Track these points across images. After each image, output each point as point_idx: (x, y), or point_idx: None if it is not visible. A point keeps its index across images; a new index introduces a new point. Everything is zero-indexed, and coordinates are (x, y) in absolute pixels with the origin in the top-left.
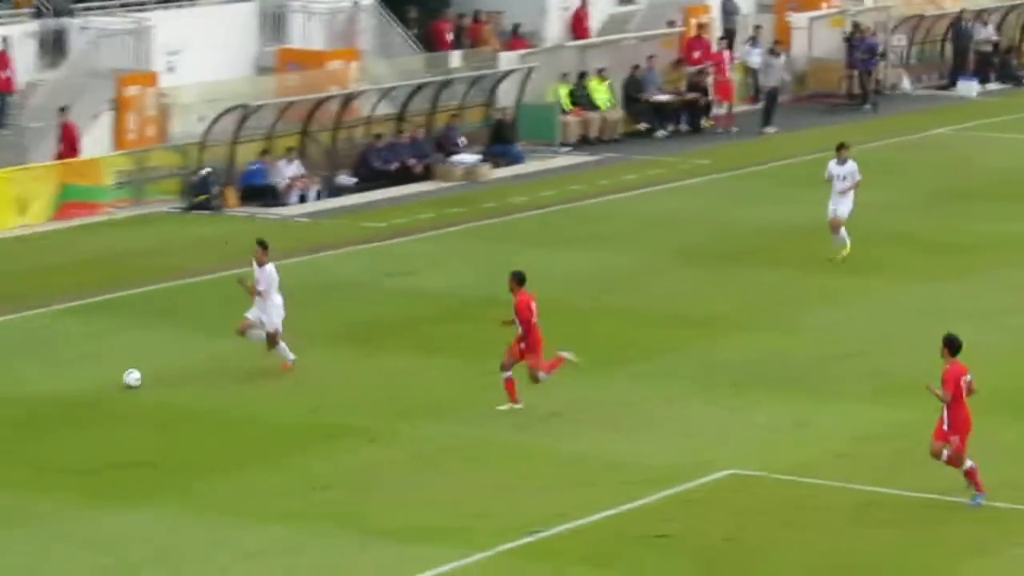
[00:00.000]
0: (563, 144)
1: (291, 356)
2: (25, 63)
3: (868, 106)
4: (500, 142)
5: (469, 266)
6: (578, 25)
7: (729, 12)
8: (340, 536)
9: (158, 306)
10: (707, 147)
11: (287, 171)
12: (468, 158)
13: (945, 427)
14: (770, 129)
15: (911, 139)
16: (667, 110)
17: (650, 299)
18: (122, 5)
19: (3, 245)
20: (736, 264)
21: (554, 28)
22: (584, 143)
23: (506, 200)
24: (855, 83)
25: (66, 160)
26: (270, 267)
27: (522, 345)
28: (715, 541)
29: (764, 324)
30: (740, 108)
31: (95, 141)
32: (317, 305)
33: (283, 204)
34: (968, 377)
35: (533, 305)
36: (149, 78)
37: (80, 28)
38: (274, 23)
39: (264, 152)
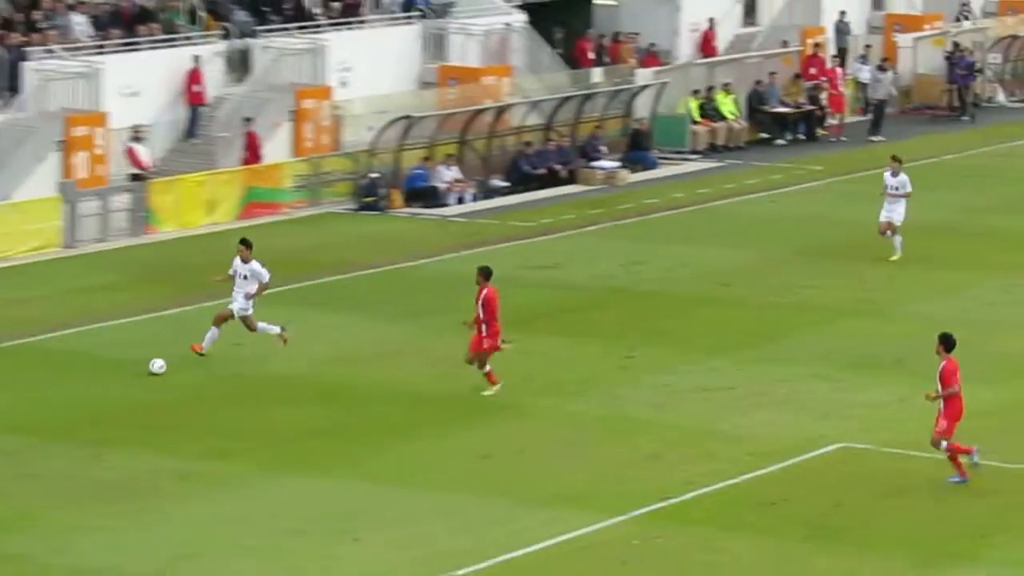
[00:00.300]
0: (693, 151)
1: (276, 328)
2: (214, 79)
3: (966, 117)
4: (636, 149)
5: (608, 260)
6: (706, 44)
7: (842, 33)
8: (496, 501)
9: (332, 295)
10: (821, 154)
11: (446, 175)
12: (607, 164)
13: (943, 417)
14: (878, 138)
15: (1005, 147)
16: (786, 120)
17: (770, 291)
18: (300, 27)
19: (194, 241)
20: (846, 259)
21: (685, 47)
22: (711, 150)
23: (641, 201)
24: (955, 97)
25: (250, 166)
26: (255, 264)
27: (484, 334)
28: (825, 507)
29: (871, 312)
30: (850, 119)
31: (276, 148)
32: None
33: (443, 205)
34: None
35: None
36: (324, 92)
37: (263, 48)
38: (435, 43)
39: (426, 158)
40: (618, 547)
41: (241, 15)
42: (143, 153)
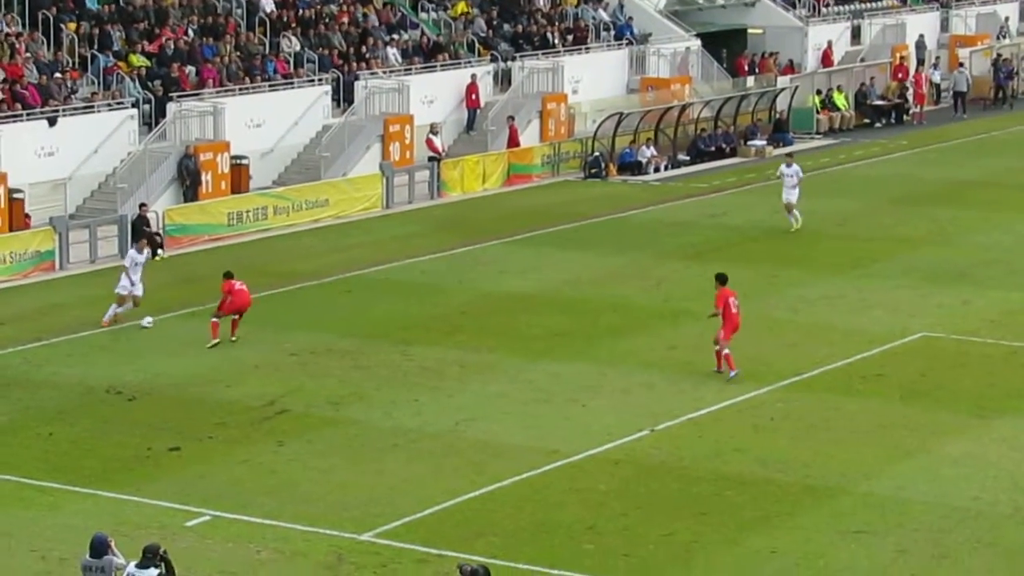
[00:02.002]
0: (817, 133)
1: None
2: (486, 90)
3: (1007, 106)
4: (778, 132)
5: (759, 210)
6: (826, 58)
7: (920, 48)
8: (683, 378)
9: (567, 238)
10: (907, 133)
11: (647, 153)
12: (758, 142)
13: (721, 332)
14: (963, 116)
15: None
16: (882, 110)
17: (871, 228)
18: (544, 52)
19: (473, 202)
20: (925, 205)
21: (811, 61)
22: (830, 132)
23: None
24: (999, 92)
25: (511, 149)
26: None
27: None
28: (914, 376)
29: (943, 242)
30: (928, 108)
31: (529, 137)
32: (666, 236)
33: (644, 174)
34: (734, 299)
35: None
36: (562, 97)
37: (519, 67)
38: (638, 61)
39: (632, 142)
40: (767, 408)
41: (504, 45)
42: (438, 142)
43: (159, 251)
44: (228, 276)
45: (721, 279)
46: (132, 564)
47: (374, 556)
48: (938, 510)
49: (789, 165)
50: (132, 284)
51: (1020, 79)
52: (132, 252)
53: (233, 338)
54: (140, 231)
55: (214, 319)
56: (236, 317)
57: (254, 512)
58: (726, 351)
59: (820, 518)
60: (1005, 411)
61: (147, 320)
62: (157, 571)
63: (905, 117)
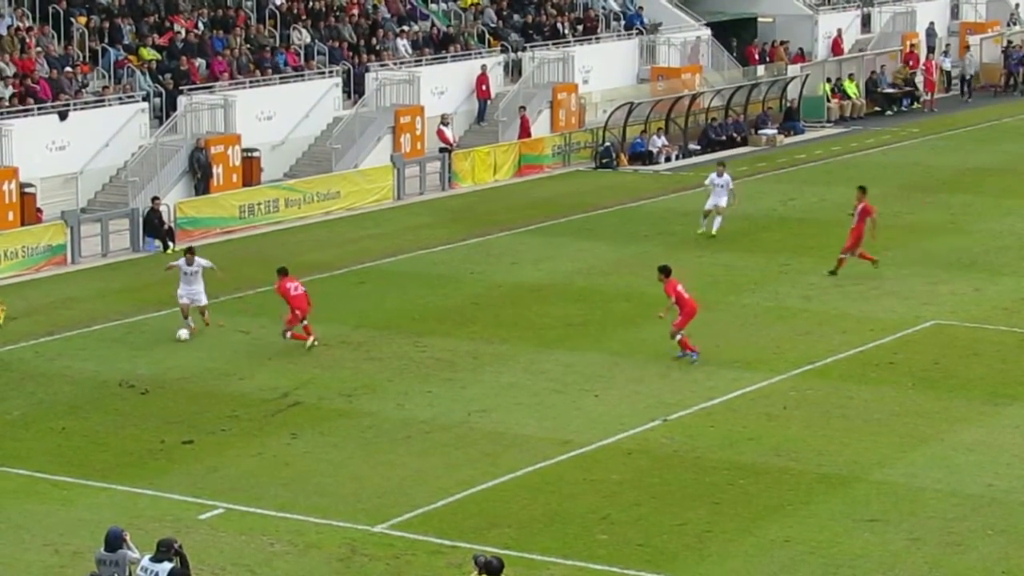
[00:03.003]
0: (828, 121)
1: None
2: (496, 81)
3: (1017, 92)
4: (789, 120)
5: (770, 198)
6: (836, 47)
7: (930, 35)
8: (693, 367)
9: (578, 228)
10: (917, 120)
11: (657, 143)
12: (769, 131)
13: (678, 318)
14: (968, 100)
15: None
16: (893, 98)
17: (883, 216)
18: (555, 43)
19: (484, 193)
20: (936, 192)
21: (821, 49)
22: (841, 120)
23: (792, 157)
24: (1009, 79)
25: (522, 140)
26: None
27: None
28: (926, 363)
29: (953, 230)
30: (938, 95)
31: (540, 127)
32: (681, 224)
33: (655, 163)
34: (681, 287)
35: (289, 285)
36: (572, 88)
37: (530, 58)
38: (648, 51)
39: (643, 131)
40: (780, 396)
41: (514, 35)
42: (449, 133)
43: (170, 244)
44: (283, 273)
45: (665, 271)
46: (146, 558)
47: (387, 548)
48: (951, 498)
49: (720, 175)
50: (189, 293)
51: None
52: (181, 263)
53: (311, 343)
54: (154, 226)
55: (289, 333)
56: (305, 323)
57: (267, 504)
58: (680, 336)
59: (833, 506)
60: (1018, 398)
61: (183, 333)
62: (171, 565)
63: (916, 104)
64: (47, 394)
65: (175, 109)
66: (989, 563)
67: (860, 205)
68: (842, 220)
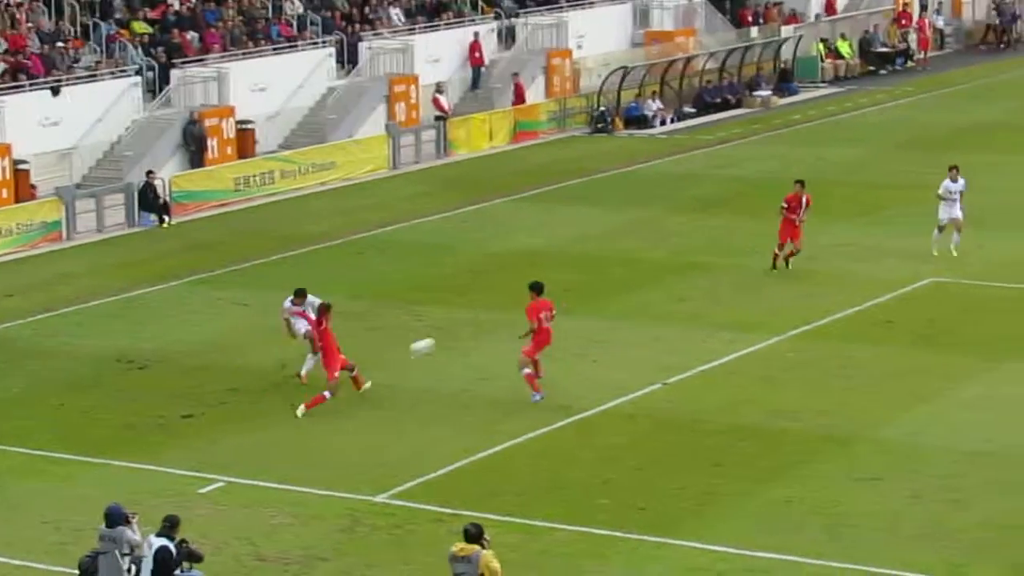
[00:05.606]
0: (822, 81)
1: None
2: (490, 48)
3: (1010, 48)
4: (783, 81)
5: (767, 160)
6: (830, 6)
7: None
8: (693, 330)
9: (575, 193)
10: (912, 79)
11: (652, 106)
12: (763, 92)
13: (528, 347)
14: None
15: None
16: (886, 57)
17: (879, 175)
18: (548, 8)
19: (480, 160)
20: (931, 150)
21: (815, 8)
22: (835, 80)
23: (787, 118)
24: (1003, 35)
25: (517, 106)
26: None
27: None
28: (923, 322)
29: None
30: (932, 53)
31: (534, 93)
32: (674, 188)
33: (650, 127)
34: (548, 313)
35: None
36: (566, 53)
37: (523, 24)
38: (642, 15)
39: (638, 95)
40: (779, 358)
41: (507, 2)
42: (444, 101)
43: (166, 217)
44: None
45: (536, 288)
46: (152, 536)
47: (389, 517)
48: (951, 455)
49: (955, 179)
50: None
51: (1022, 22)
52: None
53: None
54: (149, 200)
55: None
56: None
57: (269, 477)
58: (527, 370)
59: (834, 466)
60: (1016, 354)
61: (422, 344)
62: (163, 543)
63: (909, 63)
64: (45, 371)
65: (168, 83)
66: (990, 518)
67: (800, 197)
68: (840, 180)
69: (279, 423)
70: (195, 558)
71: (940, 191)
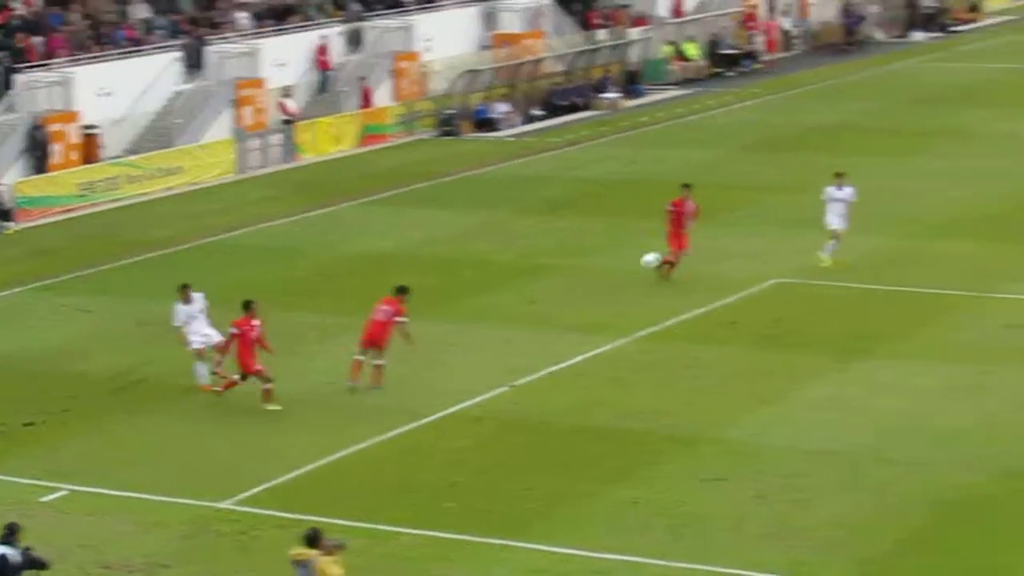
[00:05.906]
0: (670, 83)
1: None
2: (337, 51)
3: (856, 50)
4: (631, 84)
5: (613, 162)
6: (677, 9)
7: None
8: (542, 332)
9: (424, 197)
10: (759, 80)
11: (501, 109)
12: (611, 95)
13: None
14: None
15: (882, 70)
16: (733, 59)
17: (726, 176)
18: (396, 12)
19: (326, 165)
20: (781, 151)
21: (662, 11)
22: (683, 82)
23: (635, 120)
24: (848, 36)
25: (364, 110)
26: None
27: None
28: (768, 323)
29: (797, 188)
30: (779, 55)
31: (382, 96)
32: (522, 190)
33: (498, 130)
34: (257, 321)
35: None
36: (414, 56)
37: (370, 27)
38: (490, 18)
39: (486, 98)
40: (625, 359)
41: (355, 5)
42: (291, 105)
43: (10, 224)
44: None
45: (247, 307)
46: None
47: (234, 523)
48: (797, 454)
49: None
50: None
51: (870, 24)
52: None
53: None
54: None
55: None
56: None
57: (111, 484)
58: (220, 369)
59: (680, 467)
60: (862, 353)
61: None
62: (6, 549)
63: (756, 65)
64: None
65: (11, 88)
66: (835, 518)
67: (685, 202)
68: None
69: (122, 430)
70: (39, 565)
71: (823, 196)
